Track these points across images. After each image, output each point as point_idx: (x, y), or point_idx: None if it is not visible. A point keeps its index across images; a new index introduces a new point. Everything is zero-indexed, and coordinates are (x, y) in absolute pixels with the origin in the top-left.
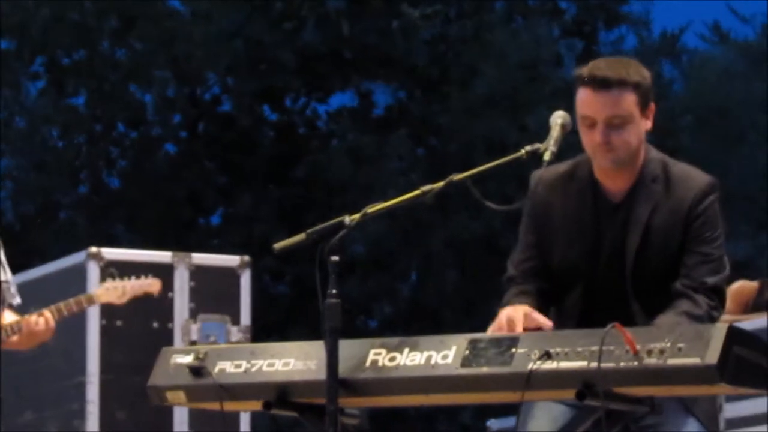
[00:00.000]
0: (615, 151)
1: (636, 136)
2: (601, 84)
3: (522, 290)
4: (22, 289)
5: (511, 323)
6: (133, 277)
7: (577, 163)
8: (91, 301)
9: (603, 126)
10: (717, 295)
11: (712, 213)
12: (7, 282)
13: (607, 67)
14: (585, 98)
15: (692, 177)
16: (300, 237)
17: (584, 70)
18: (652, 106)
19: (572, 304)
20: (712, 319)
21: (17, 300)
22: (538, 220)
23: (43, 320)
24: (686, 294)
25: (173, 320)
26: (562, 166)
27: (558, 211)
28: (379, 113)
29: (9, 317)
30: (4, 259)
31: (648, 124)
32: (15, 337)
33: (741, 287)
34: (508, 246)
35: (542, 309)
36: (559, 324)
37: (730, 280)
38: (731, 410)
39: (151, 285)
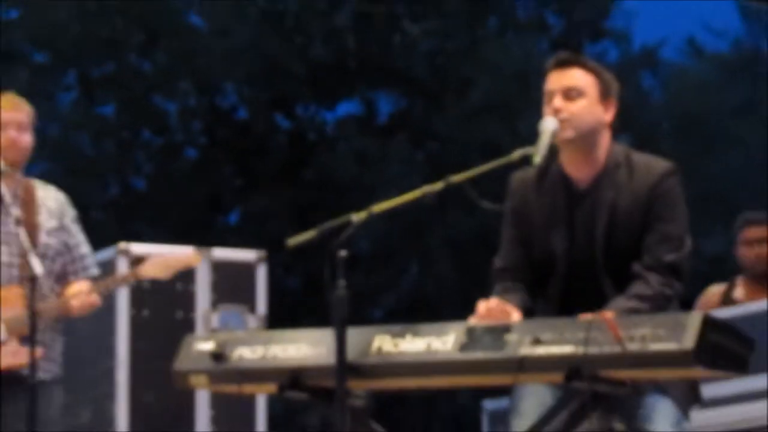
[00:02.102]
0: (569, 120)
1: (592, 114)
2: (560, 64)
3: (509, 286)
4: None
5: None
6: (174, 252)
7: (549, 161)
8: (136, 275)
9: (560, 95)
10: (674, 271)
11: (672, 194)
12: (83, 255)
13: (567, 54)
14: (548, 79)
15: (653, 162)
16: (311, 234)
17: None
18: (614, 101)
19: (553, 290)
20: (665, 296)
21: (93, 271)
22: (518, 216)
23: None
24: (640, 275)
25: (195, 310)
26: (536, 166)
27: (534, 206)
28: (382, 120)
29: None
30: (77, 231)
31: (608, 116)
32: (75, 301)
33: (709, 295)
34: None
35: (528, 299)
36: (543, 310)
37: (705, 280)
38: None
39: (191, 258)
